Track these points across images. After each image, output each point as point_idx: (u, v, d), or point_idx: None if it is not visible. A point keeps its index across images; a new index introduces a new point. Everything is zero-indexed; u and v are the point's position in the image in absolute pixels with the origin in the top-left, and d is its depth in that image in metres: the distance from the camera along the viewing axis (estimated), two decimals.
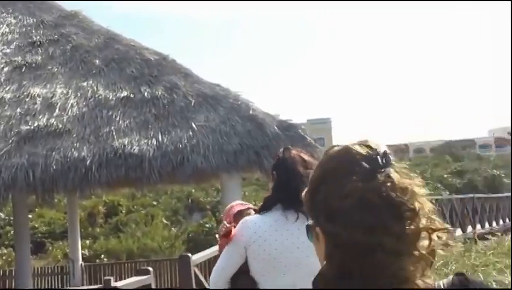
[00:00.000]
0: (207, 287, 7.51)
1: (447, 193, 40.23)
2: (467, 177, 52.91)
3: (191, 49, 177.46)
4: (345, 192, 1.40)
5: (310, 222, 1.55)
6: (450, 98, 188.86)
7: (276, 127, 11.29)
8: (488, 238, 18.89)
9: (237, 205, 3.75)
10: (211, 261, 10.19)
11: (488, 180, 51.90)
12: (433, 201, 1.53)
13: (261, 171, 11.08)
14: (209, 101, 11.70)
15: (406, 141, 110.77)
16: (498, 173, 54.56)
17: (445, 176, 53.24)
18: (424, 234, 1.43)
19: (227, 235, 3.38)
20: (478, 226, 26.58)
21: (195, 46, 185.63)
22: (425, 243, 1.43)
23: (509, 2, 62.92)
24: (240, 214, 3.62)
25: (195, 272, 7.18)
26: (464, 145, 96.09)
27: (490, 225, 28.04)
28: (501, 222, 29.68)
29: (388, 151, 1.48)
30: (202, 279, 7.47)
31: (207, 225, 27.25)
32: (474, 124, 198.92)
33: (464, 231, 24.08)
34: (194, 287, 7.06)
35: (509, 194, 37.33)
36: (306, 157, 3.38)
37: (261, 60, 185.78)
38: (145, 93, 11.76)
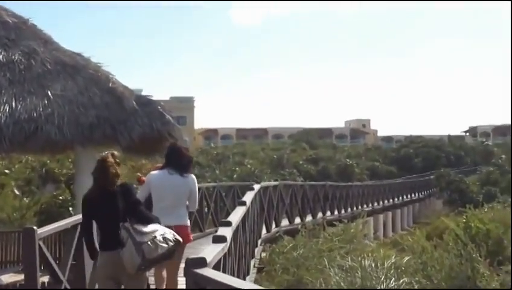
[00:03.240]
0: (51, 261, 7.34)
1: (302, 179, 41.50)
2: (322, 165, 54.78)
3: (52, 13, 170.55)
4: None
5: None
6: (310, 87, 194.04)
7: (134, 102, 11.17)
8: (335, 225, 19.75)
9: (158, 165, 7.91)
10: (61, 235, 9.88)
11: (341, 169, 54.04)
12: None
13: (116, 146, 10.94)
14: (68, 70, 11.38)
15: (265, 126, 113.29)
16: (351, 162, 57.02)
17: (301, 162, 54.83)
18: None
19: (142, 181, 8.16)
20: (328, 213, 27.65)
21: (59, 11, 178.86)
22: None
23: (509, 2, 65.23)
24: (157, 169, 7.55)
25: (40, 246, 6.93)
26: (322, 134, 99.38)
27: (339, 212, 29.23)
28: (349, 209, 31.06)
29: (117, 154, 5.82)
30: (47, 253, 7.23)
31: (60, 197, 26.47)
32: (332, 114, 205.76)
33: (314, 217, 24.93)
34: (38, 260, 6.85)
35: (359, 183, 39.28)
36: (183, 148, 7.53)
37: (128, 33, 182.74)
38: (0, 57, 11.24)
